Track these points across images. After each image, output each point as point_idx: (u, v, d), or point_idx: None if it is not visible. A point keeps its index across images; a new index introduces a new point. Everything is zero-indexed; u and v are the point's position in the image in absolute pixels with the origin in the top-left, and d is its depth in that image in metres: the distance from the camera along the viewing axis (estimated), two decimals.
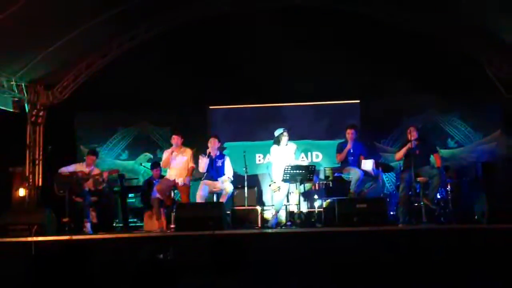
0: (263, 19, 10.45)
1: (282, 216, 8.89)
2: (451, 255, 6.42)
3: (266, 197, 10.55)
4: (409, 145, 8.29)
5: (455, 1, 9.33)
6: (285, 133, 8.86)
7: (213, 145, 8.83)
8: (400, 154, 8.45)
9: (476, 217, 7.85)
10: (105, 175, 8.94)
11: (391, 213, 9.09)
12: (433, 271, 6.30)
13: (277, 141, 8.87)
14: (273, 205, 9.19)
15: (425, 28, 10.39)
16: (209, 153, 8.77)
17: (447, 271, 6.30)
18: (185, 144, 9.05)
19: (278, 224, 8.68)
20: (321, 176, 10.46)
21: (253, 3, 10.55)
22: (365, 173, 8.79)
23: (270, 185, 9.21)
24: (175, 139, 8.87)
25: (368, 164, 8.71)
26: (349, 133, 8.94)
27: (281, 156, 8.83)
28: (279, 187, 8.77)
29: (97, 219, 8.91)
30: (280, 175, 8.58)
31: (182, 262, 5.91)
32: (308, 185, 9.68)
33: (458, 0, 9.25)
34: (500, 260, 6.22)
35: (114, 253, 6.65)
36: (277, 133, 8.92)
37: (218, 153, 8.92)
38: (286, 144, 8.87)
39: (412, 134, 8.34)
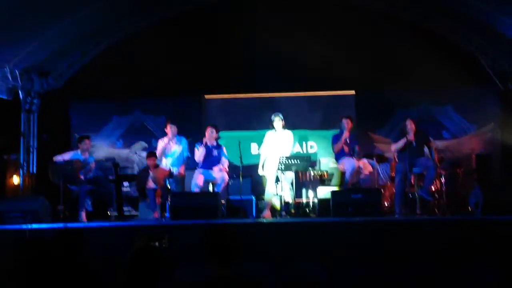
0: (259, 8, 10.43)
1: (277, 205, 8.91)
2: (445, 246, 6.45)
3: (261, 187, 10.55)
4: (407, 137, 8.28)
5: None
6: (277, 118, 8.85)
7: (210, 134, 8.83)
8: (397, 145, 8.44)
9: (470, 208, 7.89)
10: (92, 165, 8.89)
11: (386, 204, 9.12)
12: (427, 262, 6.33)
13: (272, 126, 8.92)
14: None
15: (420, 20, 10.39)
16: (206, 142, 8.76)
17: (441, 262, 6.33)
18: (180, 133, 9.04)
19: (272, 214, 8.69)
20: (317, 166, 10.46)
21: None
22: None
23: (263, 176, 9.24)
24: (170, 129, 8.86)
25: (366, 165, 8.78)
26: (346, 123, 8.93)
27: (273, 143, 8.84)
28: (263, 175, 8.86)
29: (92, 207, 8.89)
30: (270, 163, 8.61)
31: (177, 251, 5.93)
32: (303, 175, 9.68)
33: None
34: (494, 251, 6.25)
35: (109, 241, 6.64)
36: (272, 117, 8.96)
37: (214, 143, 8.91)
38: (283, 129, 8.88)
39: (411, 127, 8.35)
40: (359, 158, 8.90)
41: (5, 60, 10.00)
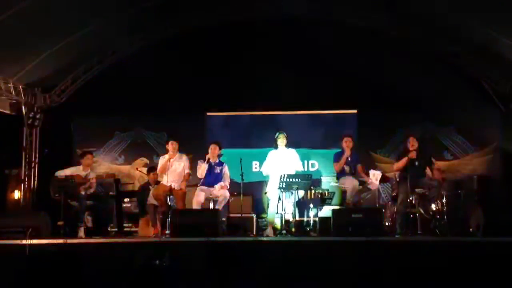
0: (261, 28, 10.51)
1: (277, 224, 8.88)
2: (446, 266, 6.43)
3: (261, 205, 10.52)
4: (410, 155, 8.26)
5: (454, 16, 9.39)
6: (281, 136, 8.86)
7: (213, 151, 8.83)
8: (400, 164, 8.42)
9: (471, 229, 7.86)
10: (93, 181, 8.85)
11: (386, 223, 9.09)
12: (427, 282, 6.30)
13: (275, 144, 8.91)
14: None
15: (423, 42, 10.46)
16: (208, 159, 8.77)
17: (441, 283, 6.30)
18: (181, 150, 9.04)
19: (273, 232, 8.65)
20: (318, 185, 10.45)
21: (252, 13, 10.59)
22: (361, 182, 8.81)
23: (266, 193, 9.21)
24: (172, 145, 8.86)
25: (377, 175, 8.72)
26: (347, 142, 8.97)
27: (277, 161, 8.83)
28: (266, 193, 8.81)
29: (92, 223, 8.86)
30: (273, 182, 8.59)
31: (177, 267, 5.91)
32: (303, 194, 9.65)
33: (457, 16, 9.30)
34: (495, 273, 6.23)
35: (109, 258, 6.63)
36: (275, 136, 8.96)
37: (217, 160, 8.91)
38: (286, 147, 8.86)
39: (413, 144, 8.33)
40: (361, 176, 8.92)
41: (9, 75, 10.06)
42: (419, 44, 10.51)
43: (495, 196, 10.33)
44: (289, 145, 9.09)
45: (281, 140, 8.88)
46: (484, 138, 11.14)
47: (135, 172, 11.47)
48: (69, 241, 7.37)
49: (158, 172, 9.18)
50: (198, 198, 8.58)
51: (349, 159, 8.95)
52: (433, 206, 8.70)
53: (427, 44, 10.48)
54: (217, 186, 8.76)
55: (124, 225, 10.17)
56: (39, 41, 9.39)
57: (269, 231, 8.56)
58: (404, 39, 10.51)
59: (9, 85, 10.17)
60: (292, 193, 8.51)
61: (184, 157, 8.98)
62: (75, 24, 9.38)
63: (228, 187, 8.90)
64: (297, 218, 8.82)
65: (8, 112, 10.67)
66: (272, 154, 8.97)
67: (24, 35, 8.89)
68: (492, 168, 10.98)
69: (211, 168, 8.80)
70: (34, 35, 9.02)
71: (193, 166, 9.12)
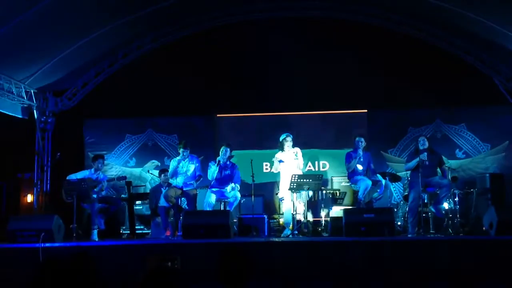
0: (271, 29, 10.50)
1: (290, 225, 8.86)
2: (459, 265, 6.39)
3: (272, 206, 10.52)
4: (420, 156, 8.19)
5: (463, 13, 9.33)
6: (288, 139, 8.79)
7: (224, 153, 8.83)
8: (410, 165, 8.35)
9: (484, 228, 7.80)
10: (105, 184, 8.89)
11: (398, 223, 9.05)
12: (440, 281, 6.27)
13: (281, 147, 8.85)
14: (281, 214, 9.14)
15: (434, 39, 10.40)
16: (219, 162, 8.77)
17: (454, 282, 6.26)
18: (192, 152, 9.07)
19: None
20: (329, 185, 10.44)
21: (263, 14, 10.58)
22: (373, 182, 8.78)
23: (277, 194, 9.20)
24: (185, 148, 8.88)
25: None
26: (360, 141, 8.92)
27: (285, 163, 8.79)
28: (277, 194, 8.78)
29: (104, 225, 8.90)
30: (284, 183, 8.56)
31: (189, 269, 5.92)
32: (313, 194, 9.62)
33: (468, 13, 9.24)
34: (508, 271, 6.18)
35: (121, 260, 6.65)
36: (281, 138, 8.90)
37: (228, 162, 8.91)
38: (292, 147, 8.80)
39: (423, 144, 8.29)
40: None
41: (21, 79, 10.13)
42: (428, 43, 10.43)
43: (508, 194, 10.25)
44: (300, 145, 9.04)
45: (288, 144, 8.79)
46: (496, 135, 11.09)
47: (147, 174, 11.52)
48: (82, 244, 7.42)
49: (169, 174, 9.21)
50: (209, 200, 8.60)
51: (361, 159, 8.91)
52: (446, 205, 8.65)
53: (437, 42, 10.41)
54: (228, 188, 8.77)
55: (136, 227, 10.21)
56: (50, 46, 9.45)
57: (289, 231, 8.48)
58: (413, 37, 10.44)
59: (21, 89, 10.24)
60: (301, 194, 8.49)
61: (195, 159, 9.00)
62: (86, 28, 9.42)
63: (239, 188, 8.91)
64: (309, 218, 8.79)
65: (20, 116, 10.74)
66: (278, 156, 8.87)
67: (35, 40, 8.96)
68: (505, 166, 10.90)
69: (221, 169, 8.81)
70: (44, 39, 9.07)
71: (204, 168, 9.14)
